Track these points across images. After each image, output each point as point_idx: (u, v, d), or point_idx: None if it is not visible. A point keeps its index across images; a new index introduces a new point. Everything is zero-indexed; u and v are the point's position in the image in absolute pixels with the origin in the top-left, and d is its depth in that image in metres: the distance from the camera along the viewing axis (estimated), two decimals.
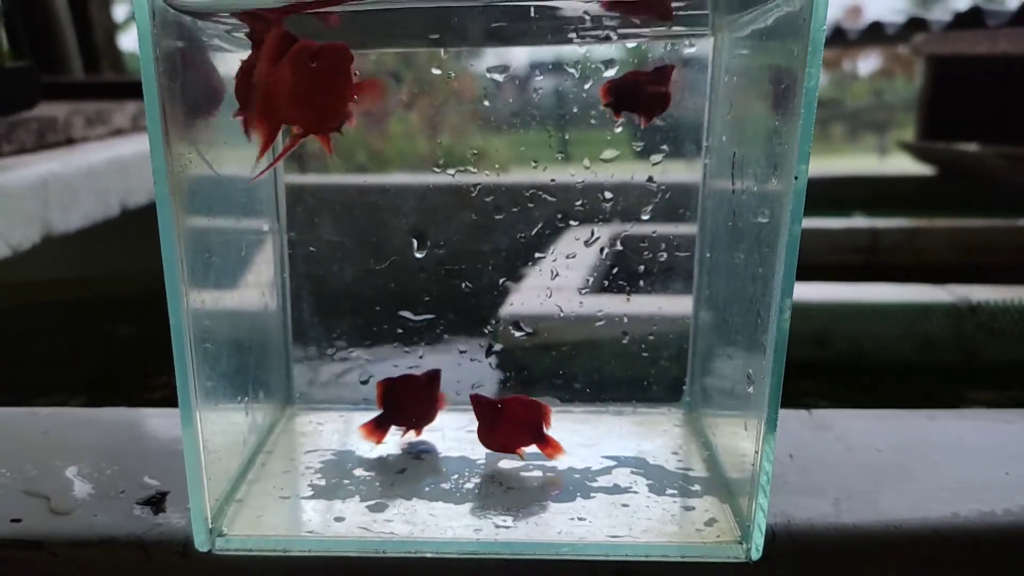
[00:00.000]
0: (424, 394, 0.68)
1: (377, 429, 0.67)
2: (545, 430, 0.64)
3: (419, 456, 0.66)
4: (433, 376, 0.68)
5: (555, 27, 0.61)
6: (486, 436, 0.64)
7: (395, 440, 0.68)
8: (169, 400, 0.54)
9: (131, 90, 2.05)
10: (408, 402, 0.67)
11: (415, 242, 0.72)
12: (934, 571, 0.55)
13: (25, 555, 0.54)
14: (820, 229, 2.10)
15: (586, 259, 0.71)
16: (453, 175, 0.69)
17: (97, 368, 1.60)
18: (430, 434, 0.69)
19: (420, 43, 0.67)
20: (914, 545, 0.55)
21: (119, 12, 3.34)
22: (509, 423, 0.63)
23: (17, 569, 0.55)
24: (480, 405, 0.63)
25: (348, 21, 0.58)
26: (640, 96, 0.65)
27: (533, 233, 0.71)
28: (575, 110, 0.67)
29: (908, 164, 3.10)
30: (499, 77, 0.67)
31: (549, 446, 0.64)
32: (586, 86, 0.66)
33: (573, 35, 0.63)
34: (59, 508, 0.58)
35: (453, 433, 0.70)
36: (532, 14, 0.57)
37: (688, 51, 0.65)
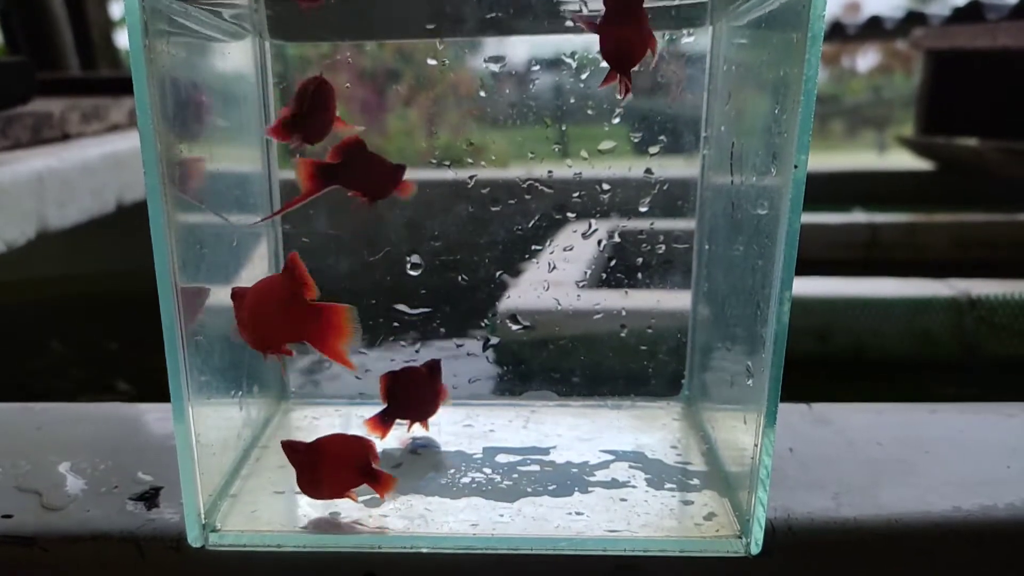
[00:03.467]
0: (427, 386, 0.67)
1: (382, 423, 0.66)
2: (374, 465, 0.56)
3: (415, 451, 0.66)
4: (434, 367, 0.67)
5: (552, 14, 0.60)
6: (309, 485, 0.55)
7: (394, 434, 0.67)
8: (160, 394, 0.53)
9: (127, 86, 2.04)
10: (412, 394, 0.66)
11: (408, 262, 0.71)
12: (935, 565, 0.55)
13: (16, 551, 0.54)
14: (819, 224, 2.09)
15: (584, 252, 0.71)
16: (449, 165, 0.69)
17: (93, 365, 1.59)
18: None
19: (416, 33, 0.67)
20: (915, 539, 0.54)
21: (116, 9, 3.33)
22: (332, 467, 0.55)
23: (8, 565, 0.54)
24: (296, 452, 0.55)
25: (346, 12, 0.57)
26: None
27: (530, 226, 0.70)
28: (572, 101, 0.67)
29: (907, 160, 3.09)
30: (495, 67, 0.67)
31: (380, 483, 0.56)
32: (583, 76, 0.66)
33: (570, 23, 0.62)
34: (51, 504, 0.57)
35: (450, 428, 0.69)
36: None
37: (686, 41, 0.65)
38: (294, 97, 0.55)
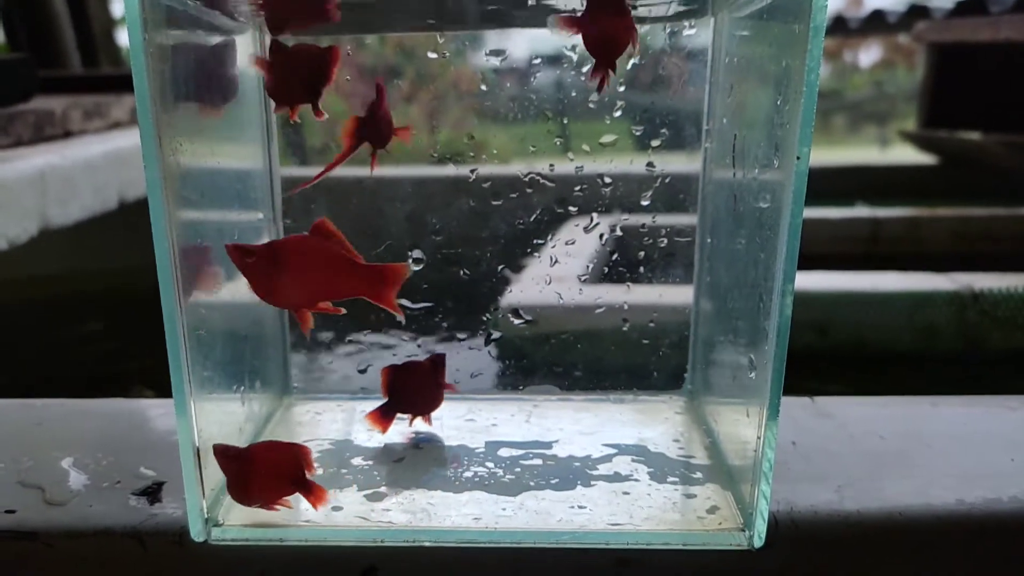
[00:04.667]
0: (429, 380, 0.67)
1: (383, 417, 0.66)
2: (308, 475, 0.55)
3: (418, 445, 0.66)
4: (438, 360, 0.67)
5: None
6: (239, 491, 0.54)
7: (395, 428, 0.67)
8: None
9: (129, 83, 2.04)
10: (414, 388, 0.66)
11: (410, 256, 0.71)
12: (938, 558, 0.55)
13: (19, 546, 0.54)
14: (821, 219, 2.09)
15: (586, 246, 0.71)
16: (451, 159, 0.68)
17: (95, 362, 1.59)
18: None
19: (416, 27, 0.67)
20: (918, 532, 0.54)
21: (117, 7, 3.33)
22: (263, 474, 0.54)
23: (11, 560, 0.54)
24: (226, 458, 0.53)
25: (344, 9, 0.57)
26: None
27: (532, 220, 0.70)
28: (573, 94, 0.67)
29: (910, 154, 3.08)
30: (496, 61, 0.66)
31: (313, 494, 0.55)
32: (584, 70, 0.65)
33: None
34: (54, 499, 0.57)
35: (452, 422, 0.69)
36: None
37: (688, 32, 0.65)
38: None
